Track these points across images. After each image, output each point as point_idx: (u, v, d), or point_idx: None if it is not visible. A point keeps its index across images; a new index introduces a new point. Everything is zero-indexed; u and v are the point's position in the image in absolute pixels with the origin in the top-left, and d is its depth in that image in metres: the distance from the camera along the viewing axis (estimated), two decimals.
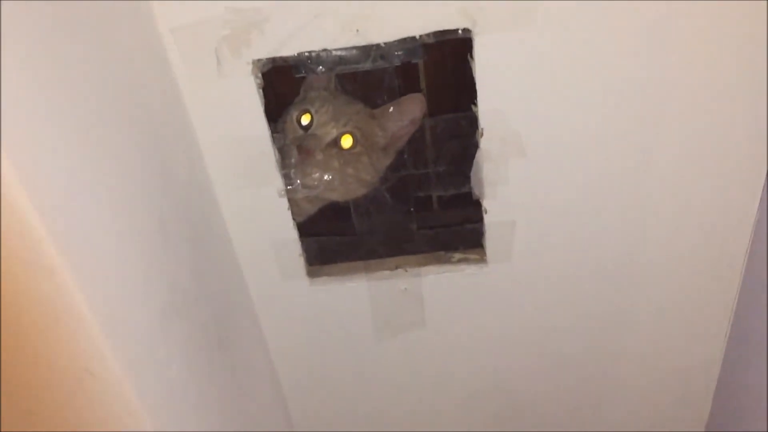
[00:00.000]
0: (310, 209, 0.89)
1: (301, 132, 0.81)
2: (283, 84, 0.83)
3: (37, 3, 0.46)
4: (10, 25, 0.41)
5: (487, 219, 0.81)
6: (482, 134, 0.74)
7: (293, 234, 0.83)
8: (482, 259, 0.86)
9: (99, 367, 0.51)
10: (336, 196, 0.85)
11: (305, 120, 0.81)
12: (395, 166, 0.84)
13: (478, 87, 0.71)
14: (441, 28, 0.67)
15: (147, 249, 0.58)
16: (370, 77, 0.80)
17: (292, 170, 0.78)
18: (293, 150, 0.79)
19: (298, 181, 0.79)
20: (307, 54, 0.69)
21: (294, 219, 0.82)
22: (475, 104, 0.72)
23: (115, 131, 0.56)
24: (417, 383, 1.01)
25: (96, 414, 0.53)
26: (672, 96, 0.71)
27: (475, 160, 0.77)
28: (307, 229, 0.85)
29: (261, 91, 0.71)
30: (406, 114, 0.83)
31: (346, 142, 0.81)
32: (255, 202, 0.79)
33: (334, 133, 0.81)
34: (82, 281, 0.47)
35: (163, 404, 0.57)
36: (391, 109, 0.83)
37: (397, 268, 0.88)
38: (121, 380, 0.52)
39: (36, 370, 0.51)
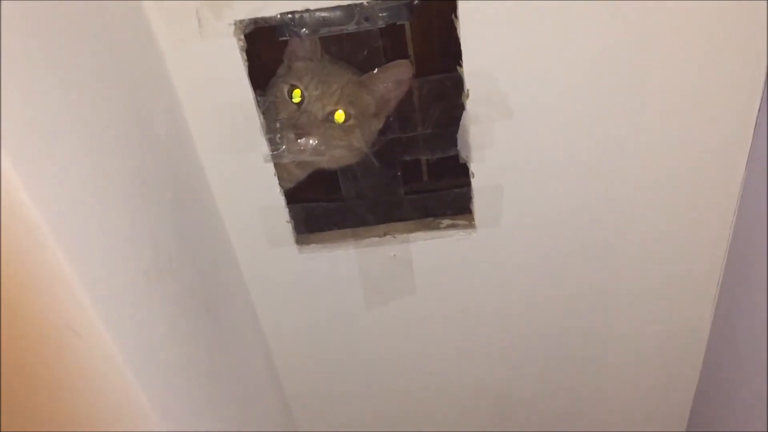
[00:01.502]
0: (300, 174, 0.88)
1: (293, 107, 0.81)
2: (267, 49, 0.82)
3: None
4: None
5: (475, 183, 0.81)
6: (468, 95, 0.73)
7: (280, 200, 0.82)
8: (471, 224, 0.86)
9: (82, 325, 0.51)
10: (325, 162, 0.85)
11: (296, 95, 0.80)
12: (382, 129, 0.84)
13: (463, 47, 0.70)
14: None
15: (129, 208, 0.58)
16: (355, 40, 0.79)
17: (278, 135, 0.78)
18: (285, 126, 0.78)
19: (284, 147, 0.78)
20: (289, 15, 0.69)
21: (283, 184, 0.82)
22: (461, 65, 0.72)
23: (93, 89, 0.55)
24: (407, 349, 1.01)
25: (80, 372, 0.53)
26: (662, 52, 0.70)
27: (461, 123, 0.76)
28: (294, 195, 0.84)
29: (244, 53, 0.70)
30: (394, 80, 0.82)
31: (340, 117, 0.81)
32: (240, 167, 0.78)
33: (327, 109, 0.80)
34: (63, 238, 0.47)
35: (147, 362, 0.57)
36: (379, 75, 0.82)
37: (385, 234, 0.88)
38: (104, 338, 0.51)
39: (18, 327, 0.50)
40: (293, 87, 0.81)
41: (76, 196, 0.50)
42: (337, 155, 0.84)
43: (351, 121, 0.82)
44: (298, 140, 0.79)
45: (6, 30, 0.43)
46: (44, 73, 0.48)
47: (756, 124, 0.76)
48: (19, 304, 0.49)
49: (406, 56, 0.90)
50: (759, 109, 0.74)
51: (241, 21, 0.68)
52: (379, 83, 0.83)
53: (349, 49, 0.82)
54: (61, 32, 0.51)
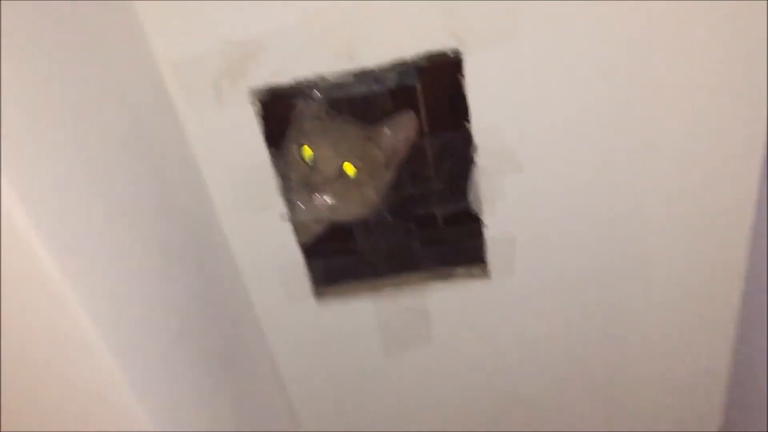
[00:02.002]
0: (317, 229, 0.90)
1: (304, 166, 0.83)
2: (281, 108, 0.85)
3: (40, 42, 0.48)
4: (12, 65, 0.44)
5: (488, 234, 0.83)
6: (476, 151, 0.75)
7: (298, 256, 0.84)
8: (485, 273, 0.87)
9: (111, 393, 0.52)
10: (341, 216, 0.87)
11: (306, 154, 0.83)
12: (395, 184, 0.86)
13: (470, 104, 0.73)
14: (431, 50, 0.69)
15: (152, 274, 0.60)
16: (366, 101, 0.81)
17: (294, 195, 0.80)
18: (300, 186, 0.81)
19: (300, 205, 0.80)
20: (303, 81, 0.72)
21: (302, 239, 0.84)
22: (469, 121, 0.74)
23: (116, 160, 0.58)
24: (425, 397, 1.02)
25: None
26: (664, 102, 0.72)
27: (472, 177, 0.78)
28: (311, 250, 0.86)
29: (260, 118, 0.73)
30: (400, 131, 0.85)
31: (350, 171, 0.83)
32: (259, 226, 0.81)
33: (336, 166, 0.82)
34: (90, 307, 0.49)
35: (173, 424, 0.58)
36: (385, 127, 0.85)
37: (401, 286, 0.89)
38: (131, 404, 0.53)
39: (52, 396, 0.52)
40: (303, 146, 0.83)
41: (104, 268, 0.52)
42: (352, 209, 0.86)
43: (362, 175, 0.84)
44: (314, 199, 0.81)
45: (34, 116, 0.45)
46: (71, 152, 0.50)
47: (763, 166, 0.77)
48: (52, 374, 0.51)
49: (416, 110, 0.92)
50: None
51: (256, 89, 0.71)
52: (385, 135, 0.85)
53: (361, 109, 0.85)
54: (86, 109, 0.54)
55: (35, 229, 0.44)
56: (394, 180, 0.88)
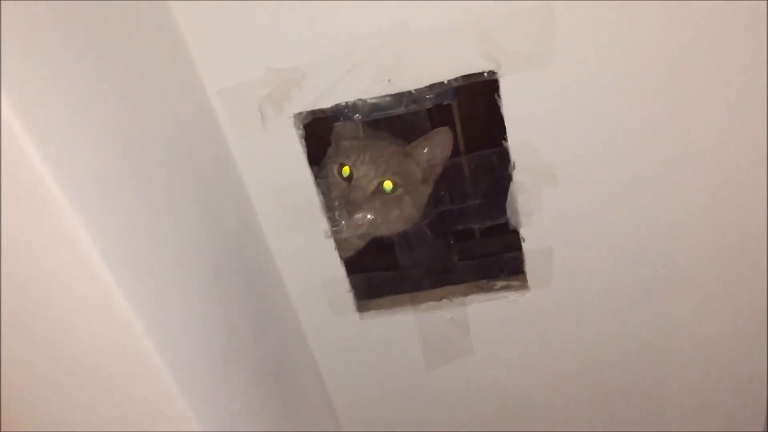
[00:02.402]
0: (359, 244, 0.93)
1: (343, 184, 0.86)
2: (324, 130, 0.88)
3: (99, 77, 0.52)
4: (78, 102, 0.47)
5: (526, 247, 0.84)
6: (514, 167, 0.77)
7: (341, 272, 0.87)
8: (524, 285, 0.89)
9: (170, 408, 0.56)
10: (383, 231, 0.90)
11: (345, 172, 0.86)
12: (434, 202, 0.88)
13: (506, 123, 0.75)
14: (467, 72, 0.71)
15: (206, 295, 0.63)
16: (405, 121, 0.84)
17: (337, 212, 0.83)
18: (341, 204, 0.84)
19: (343, 223, 0.83)
20: (343, 104, 0.74)
21: (344, 254, 0.87)
22: (506, 140, 0.76)
23: (170, 186, 0.61)
24: (466, 409, 1.03)
25: None
26: (700, 116, 0.73)
27: (509, 192, 0.80)
28: (354, 265, 0.89)
29: (303, 140, 0.76)
30: (436, 147, 0.87)
31: (388, 187, 0.86)
32: (304, 244, 0.84)
33: (375, 182, 0.85)
34: (151, 329, 0.52)
35: None
36: (422, 144, 0.87)
37: (442, 298, 0.91)
38: (190, 419, 0.56)
39: (114, 411, 0.56)
40: (342, 165, 0.86)
41: (161, 291, 0.55)
42: (392, 224, 0.88)
43: (399, 190, 0.86)
44: (355, 216, 0.84)
45: (95, 146, 0.49)
46: (130, 180, 0.54)
47: None
48: (116, 391, 0.55)
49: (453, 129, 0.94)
50: None
51: (299, 113, 0.74)
52: (422, 151, 0.88)
53: (399, 128, 0.87)
54: (141, 137, 0.58)
55: (102, 259, 0.47)
56: (432, 195, 0.90)
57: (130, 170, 0.54)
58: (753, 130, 0.74)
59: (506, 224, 0.83)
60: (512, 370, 0.98)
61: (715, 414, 1.03)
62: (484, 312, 0.91)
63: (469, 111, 0.93)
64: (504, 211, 0.82)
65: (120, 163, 0.53)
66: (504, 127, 0.75)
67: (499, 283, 0.91)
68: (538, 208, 0.81)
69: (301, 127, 0.75)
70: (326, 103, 0.74)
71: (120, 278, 0.48)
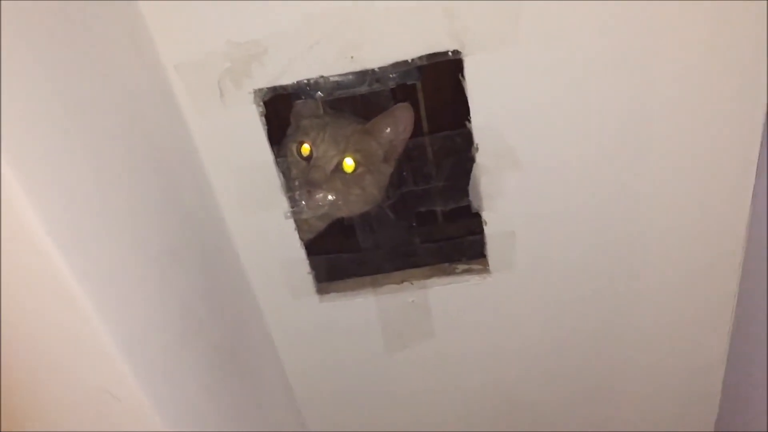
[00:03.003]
0: (320, 225, 0.91)
1: (303, 163, 0.84)
2: (284, 109, 0.86)
3: (47, 45, 0.49)
4: (21, 68, 0.45)
5: (488, 230, 0.84)
6: (477, 150, 0.76)
7: (301, 253, 0.85)
8: (485, 269, 0.88)
9: (121, 389, 0.54)
10: (344, 212, 0.88)
11: (305, 151, 0.84)
12: (397, 183, 0.87)
13: (471, 105, 0.73)
14: (432, 51, 0.70)
15: (159, 274, 0.61)
16: (368, 100, 0.83)
17: (297, 193, 0.81)
18: (301, 184, 0.82)
19: (303, 203, 0.81)
20: (305, 81, 0.72)
21: (305, 236, 0.85)
22: (470, 121, 0.75)
23: (124, 163, 0.59)
24: (427, 392, 1.03)
25: None
26: (662, 100, 0.73)
27: (472, 175, 0.80)
28: (314, 247, 0.88)
29: (263, 118, 0.74)
30: (397, 123, 0.86)
31: (349, 166, 0.84)
32: (262, 224, 0.82)
33: (335, 160, 0.84)
34: (101, 308, 0.50)
35: (182, 421, 0.60)
36: (383, 120, 0.86)
37: (403, 281, 0.90)
38: (142, 401, 0.55)
39: (62, 394, 0.54)
40: (301, 143, 0.84)
41: (112, 269, 0.53)
42: (353, 204, 0.87)
43: (360, 169, 0.85)
44: (316, 196, 0.82)
45: (37, 117, 0.47)
46: (77, 152, 0.52)
47: (759, 167, 0.78)
48: (61, 372, 0.53)
49: (416, 109, 0.93)
50: (759, 153, 0.77)
51: (260, 90, 0.72)
52: (383, 129, 0.86)
53: (362, 108, 0.86)
54: (91, 109, 0.55)
55: (45, 230, 0.45)
56: (395, 176, 0.89)
57: (79, 143, 0.52)
58: (719, 112, 0.74)
59: (469, 207, 0.83)
60: (473, 353, 0.98)
61: (671, 401, 1.04)
62: (445, 295, 0.91)
63: (434, 92, 0.92)
64: (467, 193, 0.81)
65: (69, 135, 0.51)
66: (468, 109, 0.74)
67: (461, 267, 0.90)
68: (500, 191, 0.80)
69: (262, 103, 0.73)
70: (288, 80, 0.72)
71: (66, 252, 0.46)
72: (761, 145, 0.77)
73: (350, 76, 0.73)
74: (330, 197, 0.83)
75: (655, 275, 0.88)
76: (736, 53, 0.70)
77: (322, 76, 0.72)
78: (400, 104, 0.84)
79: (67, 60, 0.53)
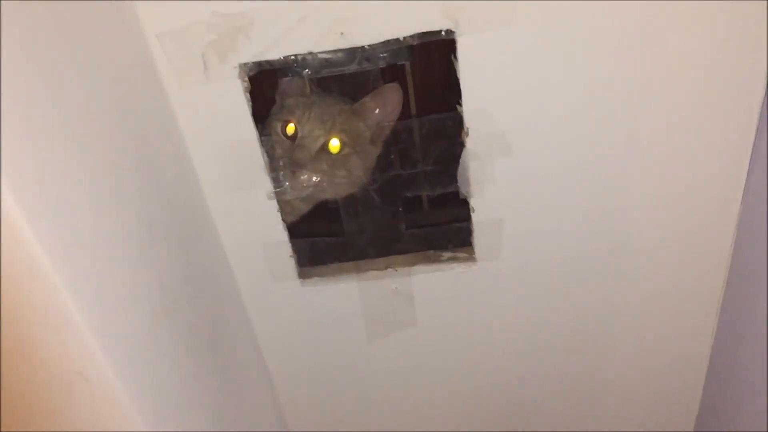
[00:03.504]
0: (304, 207, 0.89)
1: (288, 143, 0.82)
2: (270, 87, 0.84)
3: (23, 5, 0.47)
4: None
5: (475, 218, 0.82)
6: (467, 134, 0.75)
7: (283, 236, 0.83)
8: (471, 257, 0.87)
9: (91, 370, 0.51)
10: (328, 194, 0.86)
11: (290, 131, 0.82)
12: (383, 167, 0.85)
13: (462, 87, 0.72)
14: (424, 30, 0.68)
15: (136, 251, 0.59)
16: (357, 80, 0.80)
17: (281, 173, 0.79)
18: (285, 164, 0.80)
19: (287, 184, 0.79)
20: (293, 57, 0.70)
21: (287, 218, 0.83)
22: (461, 104, 0.73)
23: (102, 135, 0.56)
24: (409, 380, 1.02)
25: (89, 416, 0.53)
26: (657, 89, 0.72)
27: (461, 160, 0.78)
28: (297, 230, 0.85)
29: (248, 94, 0.72)
30: (385, 104, 0.83)
31: (335, 146, 0.82)
32: (245, 204, 0.80)
33: (321, 140, 0.81)
34: (72, 284, 0.48)
35: (155, 405, 0.58)
36: (370, 101, 0.84)
37: (387, 267, 0.89)
38: (112, 382, 0.52)
39: (28, 373, 0.51)
40: (287, 122, 0.82)
41: (85, 244, 0.51)
42: (338, 186, 0.85)
43: (346, 150, 0.83)
44: (300, 176, 0.80)
45: (11, 85, 0.44)
46: (51, 123, 0.49)
47: (751, 159, 0.77)
48: (29, 350, 0.50)
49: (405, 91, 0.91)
50: (755, 145, 0.76)
51: (245, 64, 0.70)
52: (370, 109, 0.84)
53: (350, 87, 0.84)
54: (70, 80, 0.52)
55: (15, 202, 0.42)
56: (381, 158, 0.87)
57: (53, 111, 0.49)
58: (715, 105, 0.73)
59: (456, 193, 0.81)
60: (455, 343, 0.96)
61: (654, 393, 1.04)
62: (429, 283, 0.89)
63: (423, 74, 0.90)
64: (455, 179, 0.80)
65: (42, 102, 0.48)
66: (458, 93, 0.72)
67: (446, 254, 0.89)
68: (490, 177, 0.79)
69: (247, 79, 0.71)
70: (274, 55, 0.69)
71: (36, 224, 0.43)
72: (754, 139, 0.76)
73: (339, 54, 0.71)
74: (314, 178, 0.81)
75: (643, 266, 0.87)
76: (735, 46, 0.69)
77: (310, 53, 0.70)
78: (389, 84, 0.82)
79: (41, 23, 0.50)
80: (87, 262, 0.50)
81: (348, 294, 0.90)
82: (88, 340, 0.50)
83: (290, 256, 0.86)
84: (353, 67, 0.73)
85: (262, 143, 0.76)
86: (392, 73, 0.84)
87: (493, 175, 0.78)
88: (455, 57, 0.70)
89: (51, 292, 0.47)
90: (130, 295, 0.57)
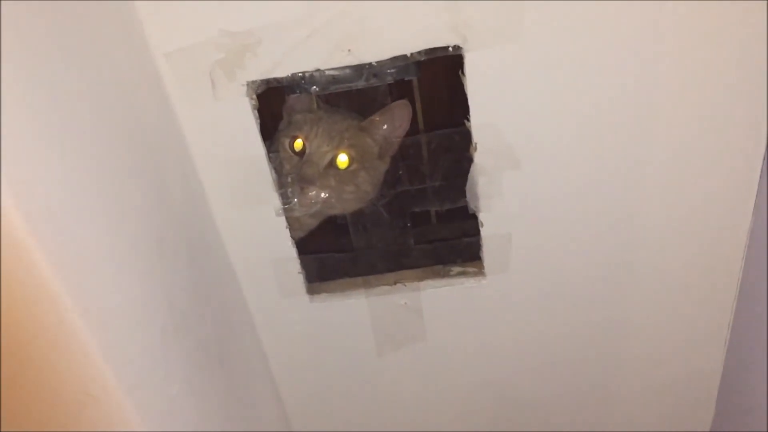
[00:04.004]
0: (312, 223, 0.89)
1: (296, 159, 0.82)
2: (278, 103, 0.84)
3: (34, 26, 0.47)
4: (7, 54, 0.42)
5: (484, 232, 0.82)
6: (476, 149, 0.74)
7: (292, 252, 0.83)
8: (480, 271, 0.86)
9: (100, 391, 0.51)
10: (337, 210, 0.86)
11: (298, 146, 0.82)
12: (391, 182, 0.85)
13: (470, 102, 0.72)
14: (432, 46, 0.68)
15: (145, 270, 0.59)
16: (364, 96, 0.80)
17: (289, 189, 0.79)
18: (293, 180, 0.80)
19: (295, 200, 0.79)
20: (300, 74, 0.70)
21: (296, 234, 0.83)
22: (469, 119, 0.73)
23: (111, 155, 0.56)
24: (419, 396, 1.01)
25: None
26: (663, 103, 0.72)
27: (469, 175, 0.78)
28: (305, 246, 0.85)
29: (256, 111, 0.72)
30: (395, 121, 0.84)
31: (343, 162, 0.82)
32: (253, 220, 0.80)
33: (329, 156, 0.81)
34: (82, 306, 0.48)
35: (164, 424, 0.57)
36: (380, 118, 0.84)
37: (396, 283, 0.88)
38: (122, 403, 0.52)
39: (38, 395, 0.51)
40: (294, 138, 0.82)
41: (93, 263, 0.51)
42: (346, 202, 0.85)
43: (355, 165, 0.83)
44: (309, 193, 0.80)
45: (25, 105, 0.44)
46: (63, 142, 0.49)
47: (762, 170, 0.77)
48: (37, 372, 0.50)
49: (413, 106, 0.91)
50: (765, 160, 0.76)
51: (253, 82, 0.70)
52: (379, 126, 0.84)
53: (358, 103, 0.84)
54: (79, 98, 0.53)
55: (25, 221, 0.42)
56: (389, 174, 0.87)
57: (62, 130, 0.49)
58: (723, 113, 0.73)
59: (465, 208, 0.81)
60: (465, 358, 0.96)
61: (667, 405, 1.03)
62: (438, 298, 0.89)
63: (431, 89, 0.90)
64: (463, 194, 0.79)
65: (52, 122, 0.48)
66: (465, 108, 0.72)
67: (456, 269, 0.88)
68: (498, 192, 0.78)
69: (254, 96, 0.71)
70: (282, 73, 0.69)
71: (44, 243, 0.44)
72: (766, 145, 0.75)
73: (347, 70, 0.71)
74: (323, 194, 0.81)
75: (653, 279, 0.87)
76: (740, 52, 0.69)
77: (318, 70, 0.70)
78: (399, 101, 0.82)
79: (51, 44, 0.50)
80: (95, 281, 0.50)
81: (357, 309, 0.90)
82: (97, 360, 0.50)
83: (299, 272, 0.85)
84: (361, 84, 0.73)
85: (270, 159, 0.76)
86: (400, 89, 0.84)
87: (502, 190, 0.78)
88: (463, 72, 0.69)
89: (59, 313, 0.47)
90: (139, 313, 0.57)
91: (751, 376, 0.92)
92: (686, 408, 1.04)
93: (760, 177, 0.78)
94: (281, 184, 0.79)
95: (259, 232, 0.81)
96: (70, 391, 0.51)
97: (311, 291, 0.88)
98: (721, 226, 0.82)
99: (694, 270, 0.87)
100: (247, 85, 0.70)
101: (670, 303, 0.90)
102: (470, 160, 0.76)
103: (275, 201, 0.78)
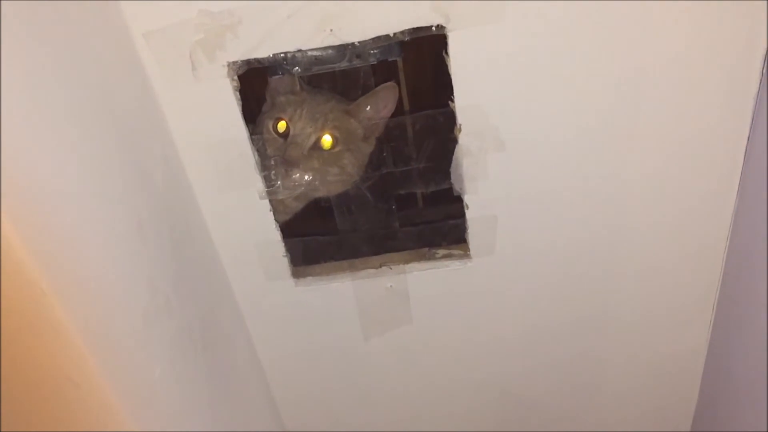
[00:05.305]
0: (297, 206, 0.89)
1: (279, 141, 0.81)
2: (260, 85, 0.83)
3: (7, 6, 0.46)
4: None
5: (469, 214, 0.82)
6: (460, 130, 0.74)
7: (276, 235, 0.83)
8: (466, 254, 0.86)
9: (80, 376, 0.51)
10: (321, 192, 0.86)
11: (281, 128, 0.81)
12: (376, 164, 0.84)
13: (454, 83, 0.71)
14: (415, 26, 0.67)
15: (125, 253, 0.58)
16: (348, 77, 0.80)
17: (273, 171, 0.78)
18: (277, 162, 0.79)
19: (279, 183, 0.79)
20: (282, 55, 0.69)
21: (279, 217, 0.82)
22: (453, 100, 0.72)
23: (90, 136, 0.55)
24: (405, 379, 1.01)
25: (79, 422, 0.53)
26: (649, 86, 0.71)
27: (454, 156, 0.77)
28: (290, 229, 0.85)
29: (238, 93, 0.71)
30: (381, 104, 0.83)
31: (327, 143, 0.81)
32: (236, 204, 0.79)
33: (313, 137, 0.81)
34: (61, 289, 0.47)
35: (147, 408, 0.57)
36: (365, 102, 0.83)
37: (381, 266, 0.88)
38: (103, 387, 0.52)
39: (17, 380, 0.50)
40: (278, 120, 0.81)
41: (72, 246, 0.50)
42: (331, 184, 0.84)
43: (339, 147, 0.82)
44: (292, 175, 0.79)
45: (7, 92, 0.43)
46: (39, 122, 0.48)
47: (746, 152, 0.77)
48: (15, 356, 0.49)
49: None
50: (749, 139, 0.75)
51: (234, 62, 0.69)
52: (365, 109, 0.84)
53: (342, 85, 0.83)
54: (54, 80, 0.51)
55: (1, 204, 0.42)
56: (374, 156, 0.86)
57: (37, 110, 0.48)
58: (709, 99, 0.73)
59: (450, 190, 0.80)
60: (452, 340, 0.96)
61: (651, 389, 1.04)
62: (424, 281, 0.89)
63: (415, 70, 0.89)
64: (448, 175, 0.79)
65: (28, 102, 0.47)
66: (451, 88, 0.71)
67: (441, 252, 0.88)
68: (484, 173, 0.78)
69: (236, 77, 0.70)
70: (263, 53, 0.68)
71: (20, 226, 0.43)
72: (749, 131, 0.75)
73: (329, 51, 0.70)
74: (307, 176, 0.80)
75: (639, 262, 0.87)
76: (729, 40, 0.69)
77: (299, 50, 0.69)
78: (385, 84, 0.82)
79: (25, 25, 0.49)
80: (73, 264, 0.50)
81: (342, 293, 0.89)
82: (77, 344, 0.49)
83: (283, 256, 0.85)
84: (344, 64, 0.72)
85: (253, 142, 0.75)
86: (384, 70, 0.83)
87: (487, 172, 0.77)
88: (446, 53, 0.69)
89: (37, 297, 0.46)
90: (120, 297, 0.56)
91: (735, 359, 0.92)
92: (671, 390, 1.04)
93: (745, 161, 0.78)
94: (265, 167, 0.78)
95: (243, 215, 0.80)
96: (49, 375, 0.50)
97: (296, 274, 0.88)
98: (706, 207, 0.82)
99: (679, 251, 0.87)
100: (228, 66, 0.69)
101: (655, 284, 0.90)
102: (455, 142, 0.75)
103: (259, 183, 0.78)
